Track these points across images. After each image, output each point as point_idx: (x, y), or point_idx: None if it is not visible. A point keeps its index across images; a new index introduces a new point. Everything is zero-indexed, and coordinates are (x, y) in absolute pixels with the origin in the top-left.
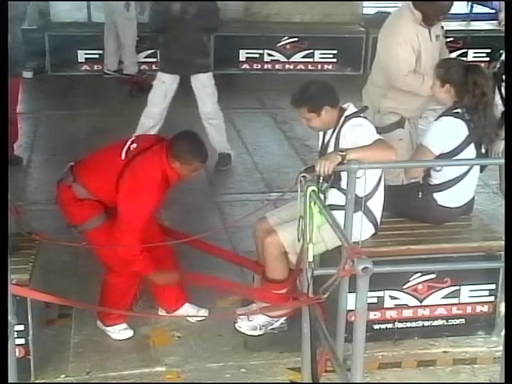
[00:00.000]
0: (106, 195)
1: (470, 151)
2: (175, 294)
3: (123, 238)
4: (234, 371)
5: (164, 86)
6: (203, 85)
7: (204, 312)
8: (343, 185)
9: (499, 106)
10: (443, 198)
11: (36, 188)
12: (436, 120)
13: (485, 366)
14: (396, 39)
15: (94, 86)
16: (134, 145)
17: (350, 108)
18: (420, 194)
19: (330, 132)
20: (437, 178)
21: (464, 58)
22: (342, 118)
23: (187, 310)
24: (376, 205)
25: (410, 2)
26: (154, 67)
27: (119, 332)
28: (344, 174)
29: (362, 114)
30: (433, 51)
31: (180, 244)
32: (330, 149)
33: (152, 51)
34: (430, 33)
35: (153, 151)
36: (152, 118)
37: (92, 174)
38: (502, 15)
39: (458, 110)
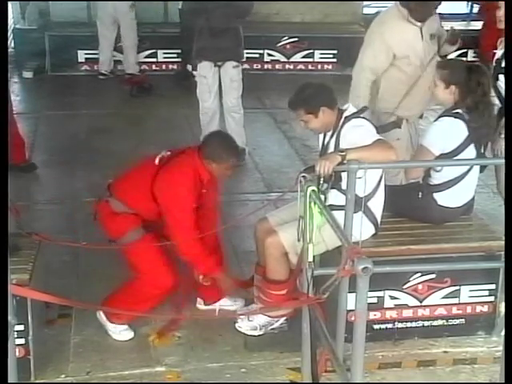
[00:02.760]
0: (142, 204)
1: (470, 151)
2: (216, 287)
3: (180, 238)
4: (234, 371)
5: (205, 79)
6: (230, 79)
7: (240, 303)
8: (344, 186)
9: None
10: (443, 198)
11: (36, 188)
12: (436, 120)
13: (485, 366)
14: (372, 35)
15: (93, 85)
16: (168, 153)
17: (350, 109)
18: (420, 194)
19: (330, 133)
20: (437, 179)
21: (464, 58)
22: (342, 119)
23: (225, 302)
24: (377, 205)
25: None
26: (154, 67)
27: (120, 332)
28: (345, 175)
29: (361, 115)
30: (424, 50)
31: None
32: (331, 150)
33: (152, 51)
34: (421, 31)
35: (185, 154)
36: (206, 113)
37: (127, 185)
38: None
39: (458, 111)
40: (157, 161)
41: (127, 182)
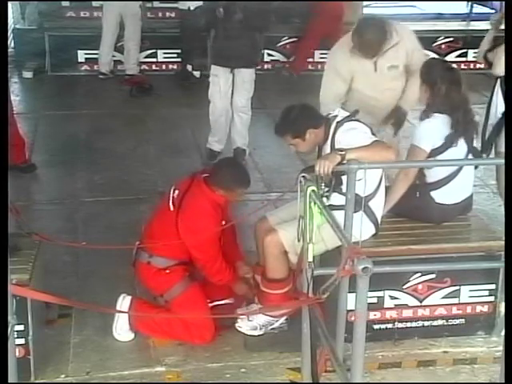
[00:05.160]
0: (181, 253)
1: (461, 145)
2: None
3: (210, 268)
4: (234, 371)
5: (217, 79)
6: (243, 79)
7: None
8: (344, 189)
9: (500, 107)
10: (440, 196)
11: (36, 188)
12: (421, 119)
13: (485, 366)
14: (327, 66)
15: (94, 86)
16: (176, 192)
17: (341, 113)
18: (417, 193)
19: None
20: (431, 177)
21: (464, 58)
22: (334, 125)
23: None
24: (377, 205)
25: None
26: (154, 67)
27: (123, 333)
28: (345, 179)
29: (353, 118)
30: (376, 82)
31: None
32: None
33: (152, 51)
34: (375, 63)
35: (193, 187)
36: (214, 112)
37: (160, 239)
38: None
39: (438, 106)
40: (171, 207)
41: (159, 238)
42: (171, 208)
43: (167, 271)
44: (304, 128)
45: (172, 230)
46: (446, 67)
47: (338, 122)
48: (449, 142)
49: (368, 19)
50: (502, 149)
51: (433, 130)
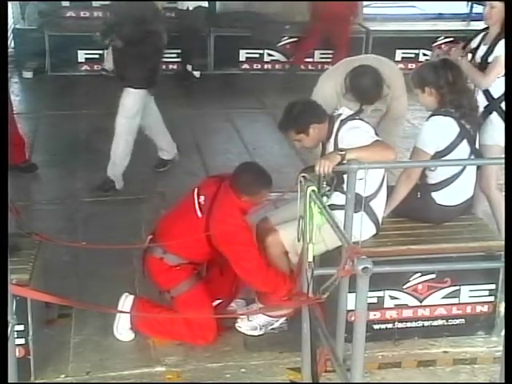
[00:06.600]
0: (197, 254)
1: (463, 148)
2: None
3: (256, 276)
4: (234, 371)
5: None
6: (122, 102)
7: (240, 303)
8: (346, 188)
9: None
10: (441, 197)
11: (36, 188)
12: (427, 120)
13: (485, 366)
14: (314, 93)
15: (93, 86)
16: (202, 198)
17: (345, 112)
18: (419, 194)
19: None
20: (433, 178)
21: None
22: (338, 123)
23: (237, 304)
24: (378, 205)
25: None
26: None
27: (124, 333)
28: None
29: (357, 117)
30: None
31: None
32: None
33: None
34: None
35: (221, 200)
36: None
37: (177, 238)
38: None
39: (447, 108)
40: (199, 213)
41: (177, 237)
42: (199, 214)
43: (179, 268)
44: (307, 123)
45: (197, 235)
46: (450, 68)
47: (341, 121)
48: (453, 145)
49: (364, 68)
50: (484, 141)
51: (437, 132)
